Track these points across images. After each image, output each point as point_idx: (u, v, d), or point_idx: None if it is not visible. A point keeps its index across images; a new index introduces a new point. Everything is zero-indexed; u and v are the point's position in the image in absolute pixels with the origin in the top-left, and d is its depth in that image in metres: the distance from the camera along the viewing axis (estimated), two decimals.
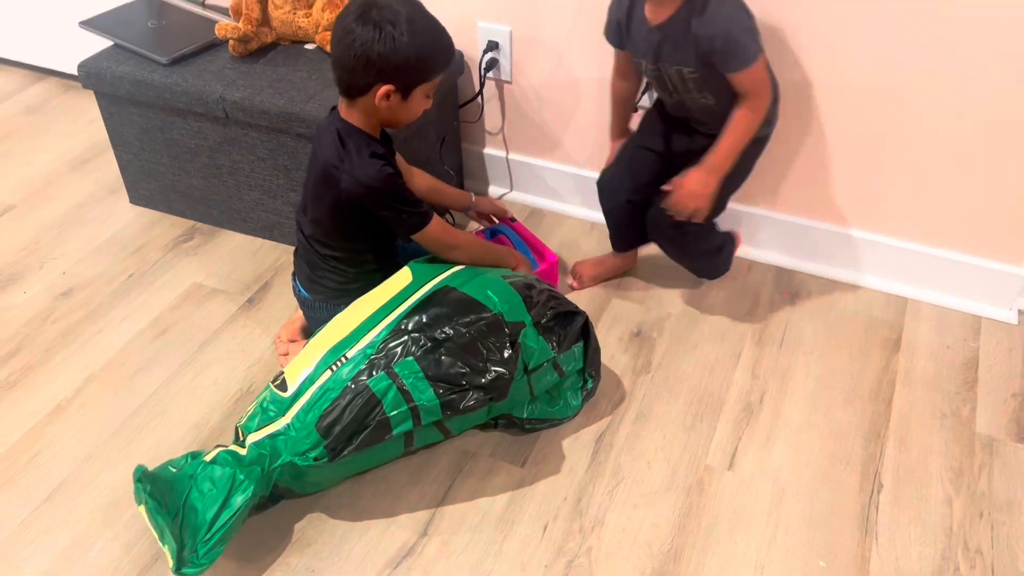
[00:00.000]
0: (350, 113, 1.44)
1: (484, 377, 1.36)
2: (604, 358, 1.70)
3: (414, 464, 1.51)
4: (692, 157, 1.57)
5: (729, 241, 1.79)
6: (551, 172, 2.05)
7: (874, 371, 1.68)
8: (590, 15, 1.78)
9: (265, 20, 1.88)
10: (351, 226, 1.51)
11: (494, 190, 2.15)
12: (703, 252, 1.75)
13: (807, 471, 1.50)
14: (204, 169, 1.93)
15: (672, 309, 1.82)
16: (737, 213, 1.90)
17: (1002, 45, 1.52)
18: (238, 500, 1.27)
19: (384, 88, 1.37)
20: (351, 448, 1.32)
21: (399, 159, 1.59)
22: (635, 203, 1.72)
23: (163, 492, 1.29)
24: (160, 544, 1.26)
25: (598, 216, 2.05)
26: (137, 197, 2.10)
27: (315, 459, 1.32)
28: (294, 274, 1.65)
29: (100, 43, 1.94)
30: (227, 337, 1.76)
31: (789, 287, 1.88)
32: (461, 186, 2.15)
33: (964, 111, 1.61)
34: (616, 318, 1.80)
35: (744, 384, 1.66)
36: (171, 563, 1.23)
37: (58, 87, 2.58)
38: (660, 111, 1.69)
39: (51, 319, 1.80)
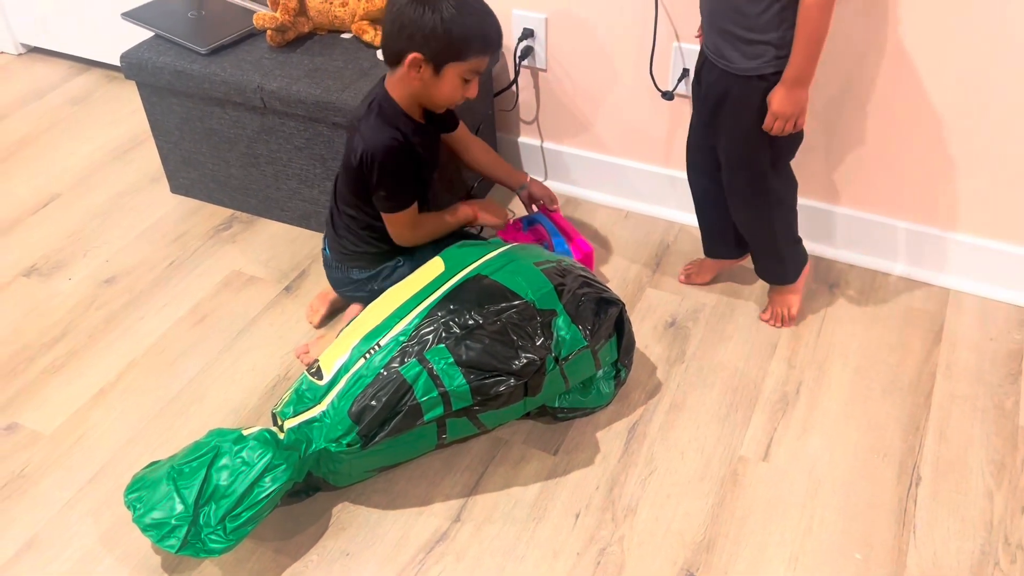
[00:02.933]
0: (391, 83, 1.51)
1: (515, 363, 1.36)
2: (638, 348, 1.69)
3: (447, 451, 1.52)
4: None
5: (794, 246, 1.69)
6: (586, 160, 2.04)
7: (914, 363, 1.66)
8: (624, 3, 1.76)
9: (302, 10, 1.89)
10: (360, 185, 1.55)
11: None
12: (771, 225, 1.63)
13: (844, 463, 1.48)
14: (242, 158, 1.96)
15: (707, 300, 1.81)
16: None
17: None
18: (270, 481, 1.29)
19: (412, 55, 1.41)
20: (383, 434, 1.33)
21: (462, 128, 1.69)
22: (713, 189, 1.64)
23: (152, 487, 1.32)
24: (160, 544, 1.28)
25: (632, 204, 2.04)
26: (177, 186, 2.13)
27: (348, 445, 1.33)
28: (325, 235, 1.72)
29: (142, 34, 1.97)
30: (265, 324, 1.78)
31: (827, 278, 1.85)
32: None
33: (1005, 98, 1.57)
34: (650, 308, 1.79)
35: (780, 375, 1.64)
36: (176, 544, 1.26)
37: (102, 78, 2.63)
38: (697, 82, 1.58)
39: (95, 305, 1.84)
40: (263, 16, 1.86)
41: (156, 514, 1.28)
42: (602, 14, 1.81)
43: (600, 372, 1.54)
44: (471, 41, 1.42)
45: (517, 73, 1.97)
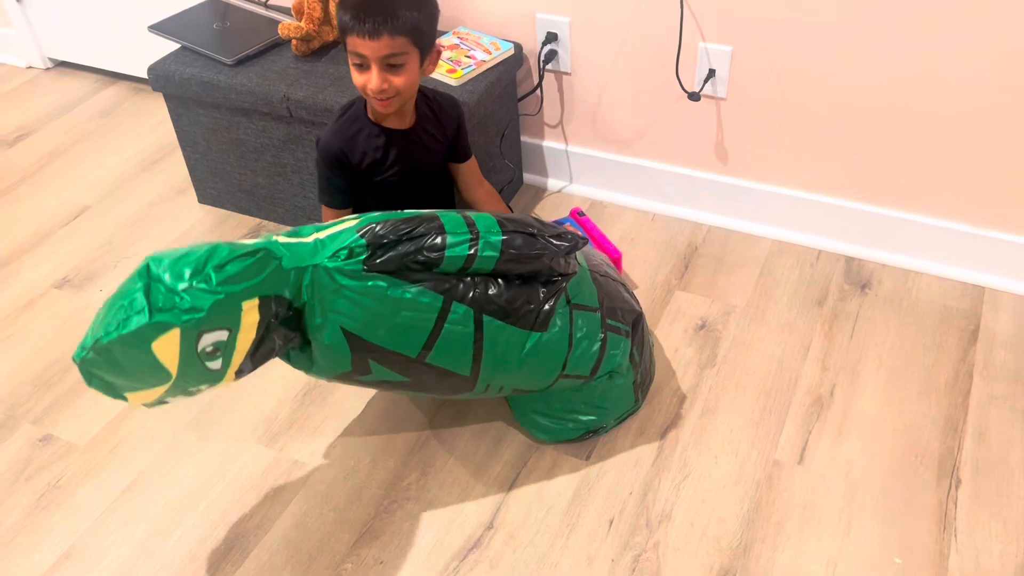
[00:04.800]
0: None
1: (552, 246, 1.28)
2: (668, 351, 1.68)
3: (479, 459, 1.52)
4: None
5: None
6: (611, 164, 2.03)
7: (950, 363, 1.63)
8: (651, 4, 1.75)
9: (327, 19, 1.90)
10: None
11: (553, 183, 2.14)
12: None
13: (881, 465, 1.46)
14: (269, 167, 1.97)
15: (737, 301, 1.79)
16: (804, 201, 1.86)
17: None
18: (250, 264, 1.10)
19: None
20: (390, 255, 1.17)
21: (470, 164, 1.65)
22: None
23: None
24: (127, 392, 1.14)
25: (659, 207, 2.03)
26: (205, 196, 2.15)
27: (345, 258, 1.17)
28: None
29: (168, 46, 1.99)
30: None
31: (859, 278, 1.83)
32: (520, 180, 2.15)
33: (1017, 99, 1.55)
34: (679, 311, 1.77)
35: (814, 377, 1.62)
36: (144, 310, 1.04)
37: (129, 90, 2.65)
38: None
39: None
40: (288, 26, 1.87)
41: (106, 321, 1.07)
42: (626, 16, 1.80)
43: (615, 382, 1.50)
44: (341, 19, 1.38)
45: (541, 77, 1.96)
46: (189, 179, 2.16)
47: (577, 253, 1.42)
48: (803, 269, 1.86)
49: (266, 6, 2.10)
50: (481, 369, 1.30)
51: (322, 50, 1.93)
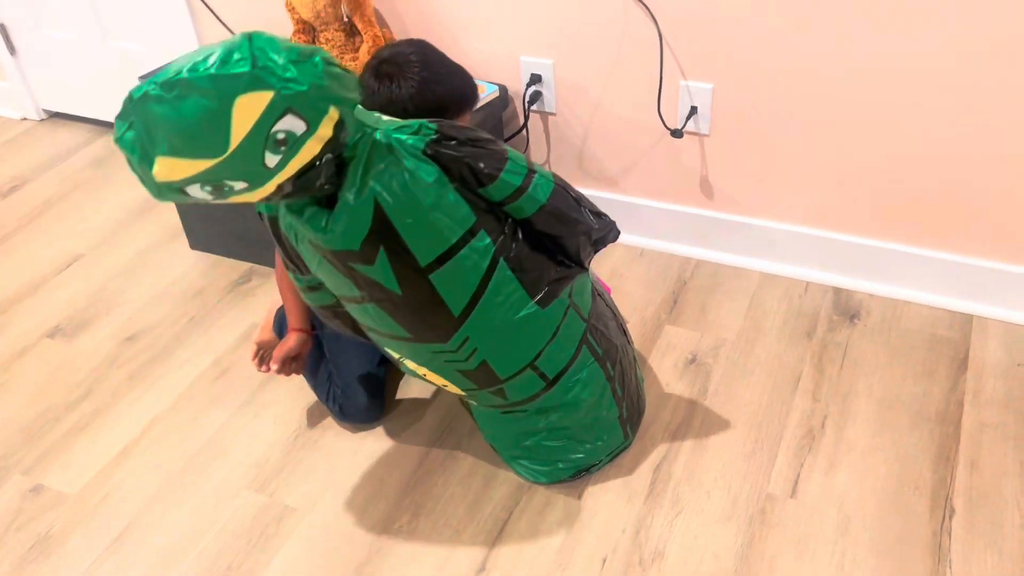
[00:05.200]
0: None
1: (592, 217, 1.33)
2: (659, 386, 1.68)
3: (470, 499, 1.51)
4: None
5: None
6: (598, 201, 2.05)
7: (941, 392, 1.63)
8: (632, 45, 1.78)
9: None
10: None
11: None
12: None
13: (874, 497, 1.46)
14: None
15: (727, 334, 1.80)
16: (791, 234, 1.88)
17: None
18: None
19: None
20: (452, 148, 1.16)
21: None
22: None
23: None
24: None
25: (647, 242, 2.04)
26: (197, 242, 2.16)
27: (410, 133, 1.15)
28: None
29: None
30: (283, 376, 1.79)
31: (848, 308, 1.84)
32: None
33: (1011, 128, 1.57)
34: (670, 345, 1.78)
35: (805, 408, 1.62)
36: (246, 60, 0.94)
37: None
38: None
39: (117, 363, 1.86)
40: None
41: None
42: (608, 56, 1.83)
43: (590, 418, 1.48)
44: (444, 104, 1.43)
45: (527, 118, 1.99)
46: (181, 226, 2.17)
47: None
48: (792, 301, 1.86)
49: None
50: (471, 315, 1.26)
51: None
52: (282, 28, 2.02)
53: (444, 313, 1.25)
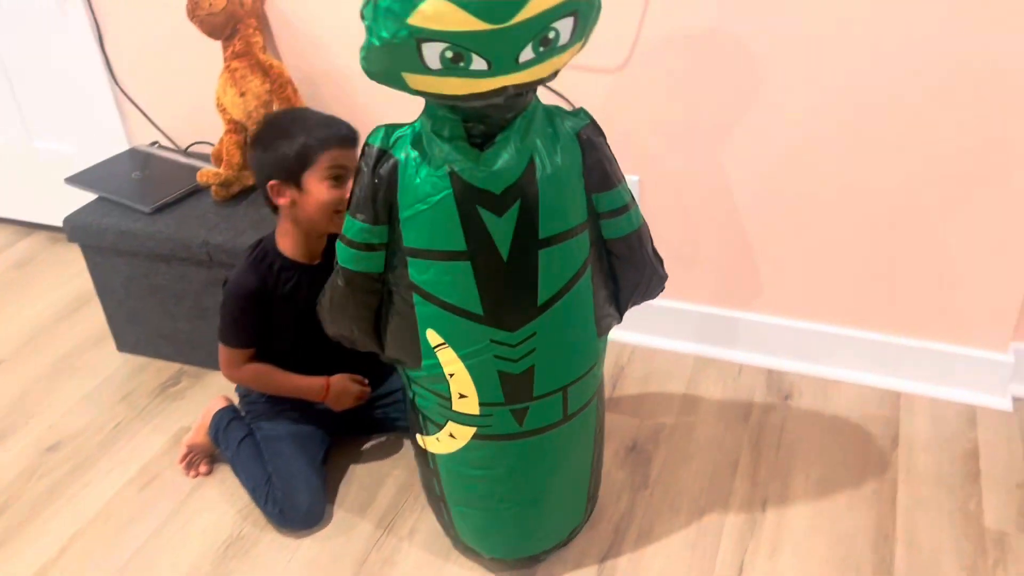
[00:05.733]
0: (278, 228, 1.60)
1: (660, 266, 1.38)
2: (603, 473, 1.67)
3: None
4: None
5: None
6: None
7: (874, 470, 1.66)
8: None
9: (245, 164, 1.93)
10: None
11: None
12: None
13: None
14: (190, 312, 1.95)
15: (666, 419, 1.81)
16: (723, 318, 1.91)
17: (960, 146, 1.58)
18: None
19: (269, 185, 1.50)
20: (602, 140, 1.24)
21: None
22: None
23: None
24: None
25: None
26: (124, 344, 2.10)
27: (573, 111, 1.24)
28: None
29: (85, 196, 1.99)
30: (216, 481, 1.73)
31: (780, 389, 1.87)
32: None
33: (927, 208, 1.65)
34: (610, 433, 1.77)
35: (745, 492, 1.63)
36: None
37: (46, 240, 2.62)
38: None
39: (37, 475, 1.77)
40: (207, 172, 1.90)
41: None
42: None
43: None
44: (308, 145, 1.47)
45: None
46: (107, 328, 2.11)
47: None
48: (727, 383, 1.89)
49: (185, 153, 2.13)
50: (549, 309, 1.24)
51: (242, 194, 1.95)
52: (213, 129, 2.02)
53: (530, 297, 1.23)
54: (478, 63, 1.01)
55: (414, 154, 1.18)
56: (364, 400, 1.68)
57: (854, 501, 1.60)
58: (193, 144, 2.15)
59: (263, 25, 1.93)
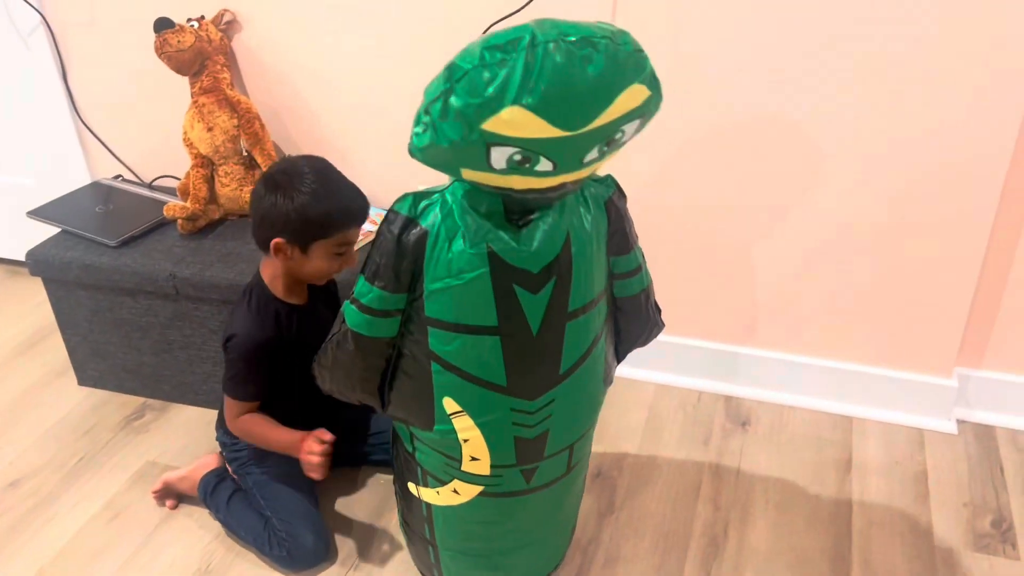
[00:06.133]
0: (264, 266, 1.56)
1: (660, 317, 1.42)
2: None
3: None
4: None
5: None
6: None
7: (830, 493, 1.72)
8: None
9: (212, 198, 1.95)
10: None
11: None
12: None
13: None
14: (155, 345, 1.94)
15: (628, 447, 1.85)
16: (685, 346, 1.97)
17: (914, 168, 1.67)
18: None
19: (275, 241, 1.45)
20: (625, 210, 1.25)
21: None
22: None
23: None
24: None
25: None
26: (85, 378, 2.09)
27: (599, 182, 1.24)
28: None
29: (47, 230, 1.98)
30: (182, 514, 1.72)
31: (739, 416, 1.93)
32: None
33: (874, 245, 1.74)
34: None
35: (707, 516, 1.68)
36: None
37: (4, 274, 2.59)
38: None
39: None
40: (173, 207, 1.91)
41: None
42: None
43: None
44: (331, 217, 1.45)
45: None
46: (68, 362, 2.09)
47: None
48: (687, 411, 1.95)
49: (151, 187, 2.14)
50: (570, 377, 1.25)
51: (208, 228, 1.96)
52: (177, 163, 2.04)
53: (553, 367, 1.23)
54: (544, 164, 1.01)
55: (445, 225, 1.14)
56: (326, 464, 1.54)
57: (812, 524, 1.65)
58: (158, 178, 2.16)
59: (231, 61, 1.96)
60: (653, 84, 1.01)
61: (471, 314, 1.17)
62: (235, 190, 1.94)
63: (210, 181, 1.94)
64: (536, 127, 0.96)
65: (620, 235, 1.26)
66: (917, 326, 1.80)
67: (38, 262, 1.92)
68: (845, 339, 1.87)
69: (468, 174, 1.07)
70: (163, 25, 1.82)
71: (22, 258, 1.98)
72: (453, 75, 0.97)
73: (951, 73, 1.55)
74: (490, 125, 0.96)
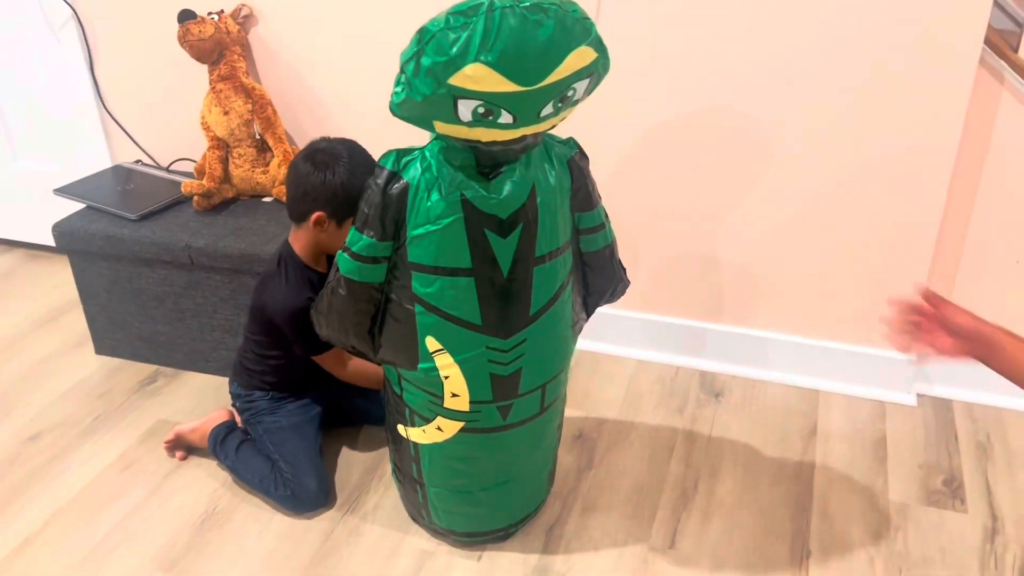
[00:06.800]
0: (295, 237, 1.68)
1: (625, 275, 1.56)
2: None
3: (375, 571, 1.59)
4: None
5: None
6: None
7: (795, 455, 1.85)
8: None
9: (226, 178, 2.10)
10: (270, 330, 1.71)
11: None
12: None
13: (742, 545, 1.63)
14: (169, 314, 2.08)
15: (608, 413, 1.98)
16: (663, 324, 2.11)
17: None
18: None
19: (317, 215, 1.58)
20: (585, 167, 1.39)
21: None
22: None
23: None
24: None
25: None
26: (103, 347, 2.22)
27: (562, 143, 1.38)
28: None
29: (66, 211, 2.12)
30: (192, 464, 1.85)
31: (712, 388, 2.06)
32: None
33: (840, 224, 1.88)
34: None
35: (679, 473, 1.80)
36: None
37: (24, 257, 2.73)
38: None
39: (18, 462, 1.87)
40: (190, 184, 2.06)
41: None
42: None
43: None
44: None
45: None
46: (86, 333, 2.23)
47: None
48: (664, 384, 2.08)
49: (168, 170, 2.29)
50: (539, 319, 1.39)
51: (221, 205, 2.11)
52: (192, 148, 2.19)
53: (523, 309, 1.37)
54: (505, 117, 1.16)
55: (424, 178, 1.30)
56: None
57: (776, 480, 1.78)
58: (174, 162, 2.31)
59: (247, 52, 2.12)
60: (600, 47, 1.17)
61: (448, 257, 1.32)
62: (247, 171, 2.09)
63: (225, 162, 2.09)
64: (495, 82, 1.11)
65: (583, 192, 1.41)
66: (878, 304, 1.94)
67: (63, 234, 2.06)
68: (812, 317, 2.00)
69: (440, 127, 1.22)
70: (186, 16, 1.99)
71: (44, 241, 2.11)
72: (423, 38, 1.13)
73: (897, 68, 1.70)
74: (456, 80, 1.11)
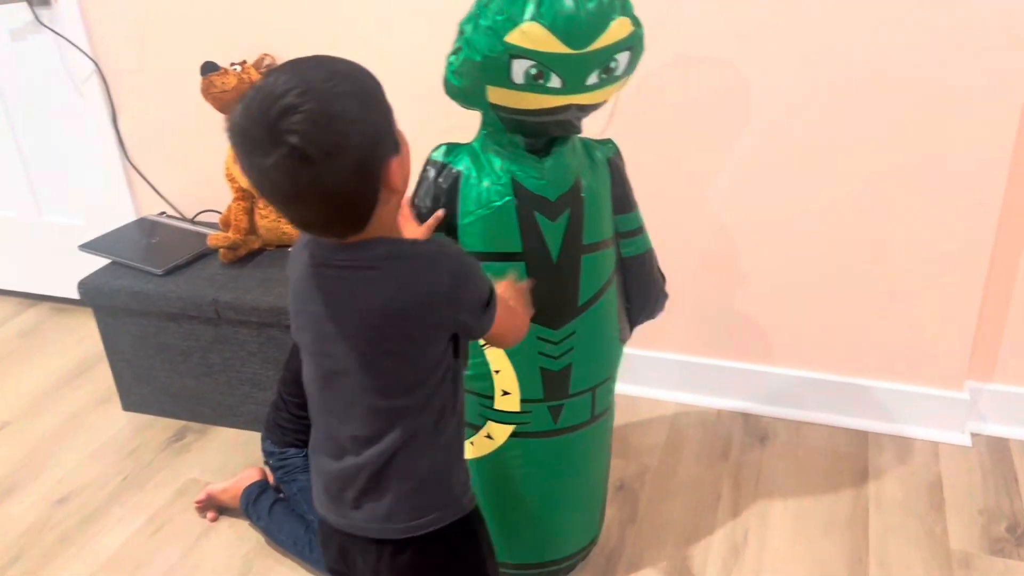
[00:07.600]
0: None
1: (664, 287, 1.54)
2: None
3: None
4: None
5: None
6: None
7: (847, 500, 1.77)
8: None
9: (252, 229, 2.07)
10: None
11: None
12: None
13: None
14: (196, 369, 2.05)
15: (650, 461, 1.91)
16: (703, 366, 2.05)
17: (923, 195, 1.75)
18: None
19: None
20: (625, 175, 1.41)
21: None
22: None
23: None
24: None
25: None
26: (129, 403, 2.19)
27: (601, 143, 1.41)
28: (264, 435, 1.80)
29: (91, 266, 2.10)
30: (224, 526, 1.80)
31: (757, 431, 1.99)
32: None
33: (884, 260, 1.82)
34: None
35: (727, 524, 1.73)
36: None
37: (50, 311, 2.72)
38: None
39: (48, 526, 1.83)
40: (216, 236, 2.03)
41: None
42: None
43: None
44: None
45: None
46: (112, 389, 2.20)
47: None
48: (706, 427, 2.01)
49: (193, 222, 2.27)
50: (587, 311, 1.38)
51: (247, 257, 2.08)
52: (216, 199, 2.17)
53: (571, 298, 1.37)
54: (554, 81, 1.21)
55: (476, 165, 1.34)
56: None
57: (829, 529, 1.70)
58: (199, 213, 2.29)
59: None
60: (636, 22, 1.23)
61: (499, 241, 1.33)
62: (273, 221, 2.06)
63: (250, 213, 2.06)
64: (548, 42, 1.17)
65: (622, 193, 1.42)
66: (927, 341, 1.87)
67: (89, 290, 2.04)
68: (858, 355, 1.93)
69: (493, 93, 1.25)
70: (209, 68, 1.97)
71: (69, 295, 2.09)
72: (483, 1, 1.20)
73: (950, 81, 1.65)
74: (512, 37, 1.17)
